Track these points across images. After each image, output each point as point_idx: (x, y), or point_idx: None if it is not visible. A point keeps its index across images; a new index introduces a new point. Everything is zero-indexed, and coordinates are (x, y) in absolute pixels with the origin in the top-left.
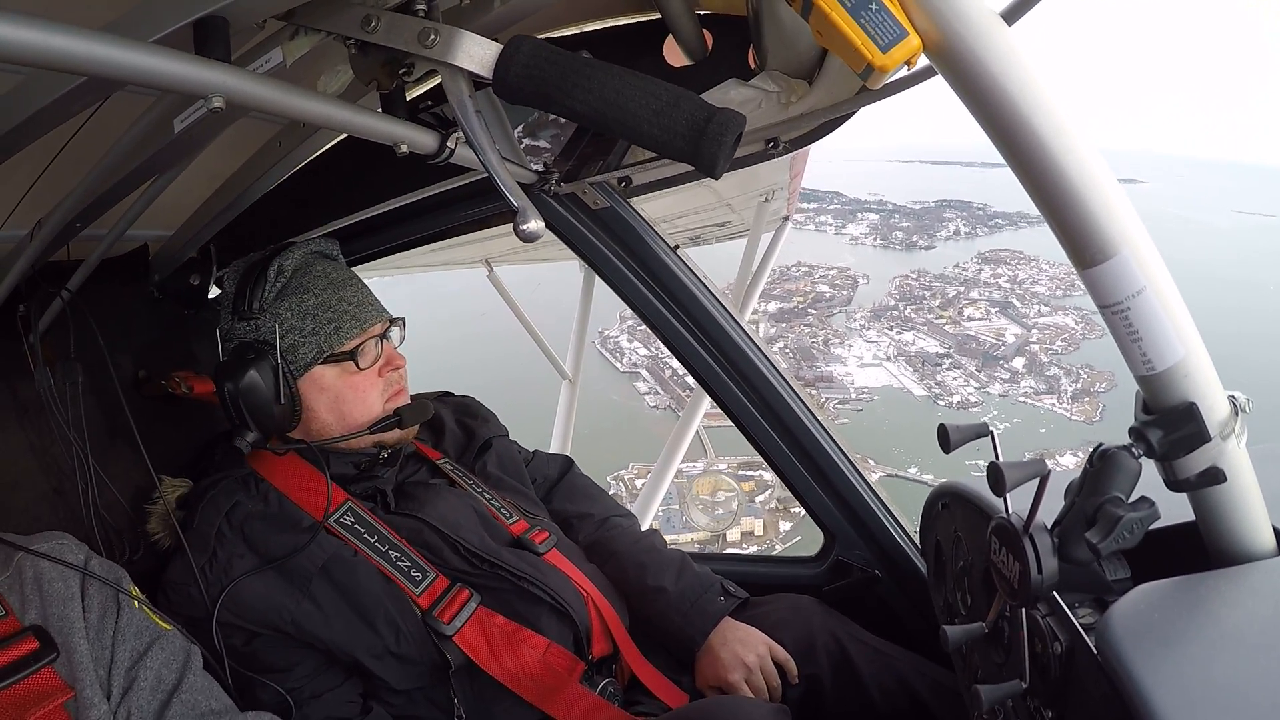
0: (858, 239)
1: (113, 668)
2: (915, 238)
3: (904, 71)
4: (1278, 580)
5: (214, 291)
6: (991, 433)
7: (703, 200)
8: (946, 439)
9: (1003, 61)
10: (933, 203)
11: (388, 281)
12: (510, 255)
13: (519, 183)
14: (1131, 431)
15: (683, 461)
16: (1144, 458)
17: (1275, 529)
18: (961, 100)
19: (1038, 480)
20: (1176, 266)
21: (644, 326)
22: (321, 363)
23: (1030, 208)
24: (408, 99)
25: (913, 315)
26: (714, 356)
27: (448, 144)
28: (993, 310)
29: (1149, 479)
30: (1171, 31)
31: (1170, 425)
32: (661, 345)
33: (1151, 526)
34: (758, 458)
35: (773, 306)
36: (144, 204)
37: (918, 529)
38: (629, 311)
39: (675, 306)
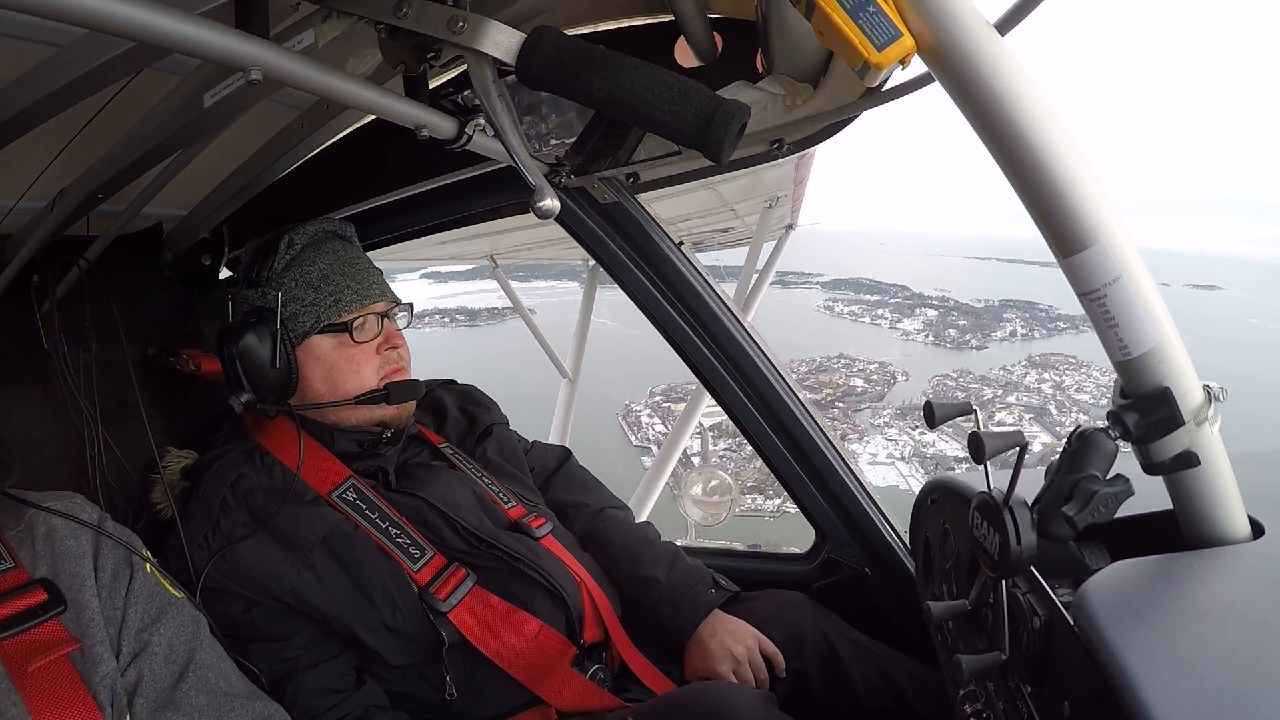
0: (910, 334)
1: (124, 627)
2: (968, 336)
3: (899, 74)
4: (1250, 563)
5: (224, 273)
6: (975, 411)
7: (708, 203)
8: (932, 415)
9: (991, 63)
10: (996, 302)
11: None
12: (515, 252)
13: None
14: (1109, 415)
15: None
16: (1121, 441)
17: (1250, 518)
18: (952, 98)
19: (1017, 454)
20: (1246, 381)
21: (668, 404)
22: (319, 332)
23: None
24: (429, 87)
25: None
26: (714, 353)
27: (466, 130)
28: (1026, 416)
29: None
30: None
31: (1146, 409)
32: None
33: (1130, 513)
34: None
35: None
36: (164, 180)
37: (908, 530)
38: (658, 387)
39: (678, 301)
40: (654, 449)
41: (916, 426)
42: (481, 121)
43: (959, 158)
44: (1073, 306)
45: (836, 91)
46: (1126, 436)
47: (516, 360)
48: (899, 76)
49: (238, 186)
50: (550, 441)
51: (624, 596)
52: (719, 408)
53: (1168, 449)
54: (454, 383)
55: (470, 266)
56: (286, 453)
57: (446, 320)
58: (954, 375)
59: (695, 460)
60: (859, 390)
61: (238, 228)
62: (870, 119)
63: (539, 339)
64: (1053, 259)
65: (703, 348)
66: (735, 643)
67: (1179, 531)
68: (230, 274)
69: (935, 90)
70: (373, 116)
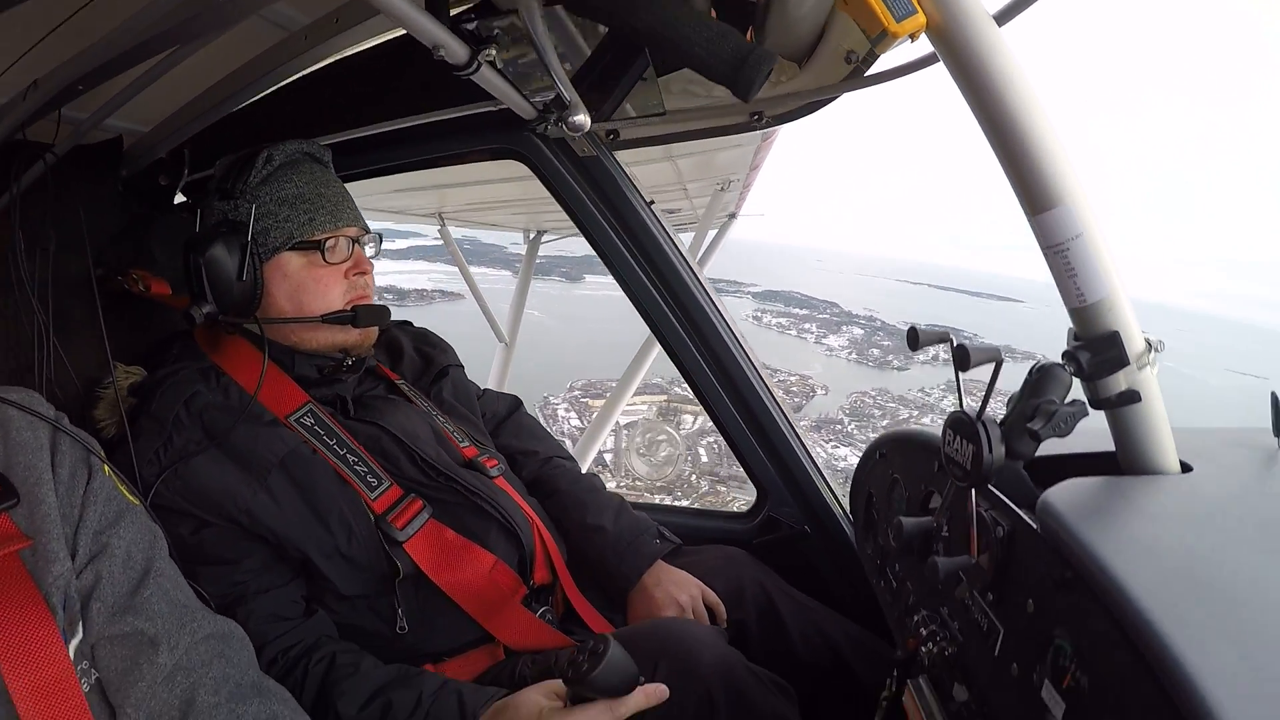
0: (834, 350)
1: (80, 527)
2: (891, 357)
3: (904, 52)
4: (1184, 487)
5: (179, 198)
6: (951, 339)
7: (665, 178)
8: (915, 339)
9: (988, 48)
10: (922, 325)
11: None
12: (463, 212)
13: (521, 116)
14: (1064, 355)
15: None
16: (1074, 378)
17: (1181, 461)
18: (950, 74)
19: (991, 372)
20: None
21: (586, 399)
22: (289, 249)
23: (1016, 342)
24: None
25: (854, 431)
26: (673, 310)
27: (479, 58)
28: None
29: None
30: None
31: (1097, 349)
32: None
33: (1068, 451)
34: None
35: None
36: (137, 89)
37: (847, 494)
38: (578, 381)
39: (643, 259)
40: (569, 443)
41: (830, 440)
42: (493, 53)
43: (905, 184)
44: (996, 337)
45: (820, 72)
46: (1080, 373)
47: None
48: (880, 65)
49: (208, 105)
50: None
51: (570, 543)
52: (636, 406)
53: (1114, 386)
54: (410, 324)
55: (405, 245)
56: (243, 374)
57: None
58: (873, 393)
59: (608, 458)
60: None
61: (200, 152)
62: (828, 141)
63: (480, 303)
64: (980, 289)
65: (662, 304)
66: (679, 591)
67: (1115, 472)
68: (185, 199)
69: (895, 107)
70: (356, 50)
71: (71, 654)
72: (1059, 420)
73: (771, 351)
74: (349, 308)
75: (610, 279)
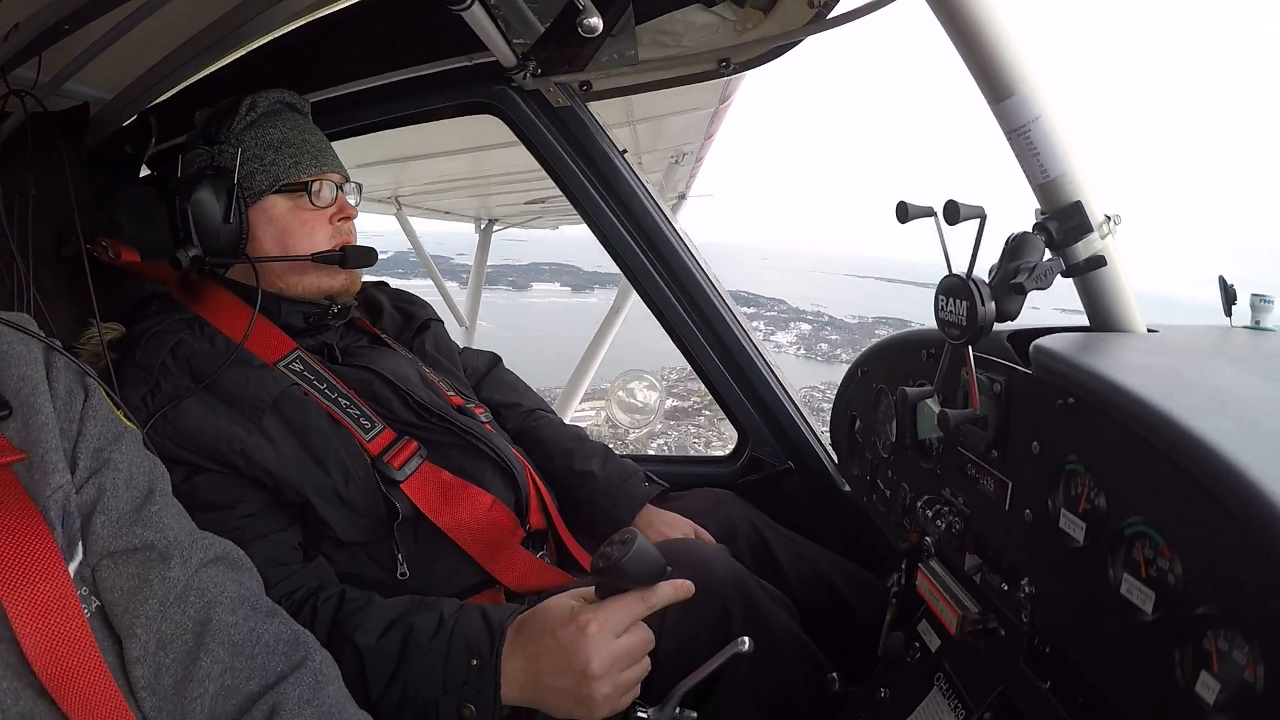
0: (782, 347)
1: (80, 442)
2: (839, 351)
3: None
4: (1154, 338)
5: (144, 171)
6: (935, 213)
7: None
8: (905, 211)
9: None
10: (870, 319)
11: None
12: (418, 197)
13: (501, 65)
14: (1035, 226)
15: None
16: (1046, 248)
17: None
18: None
19: (977, 229)
20: None
21: None
22: (275, 192)
23: None
24: None
25: None
26: (648, 257)
27: None
28: None
29: None
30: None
31: (1064, 218)
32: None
33: (1047, 325)
34: None
35: (670, 404)
36: (114, 38)
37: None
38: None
39: (616, 205)
40: None
41: None
42: None
43: (850, 180)
44: None
45: (784, 18)
46: (1050, 242)
47: None
48: (841, 8)
49: (174, 66)
50: None
51: (558, 491)
52: (585, 412)
53: (1081, 253)
54: (386, 284)
55: None
56: (227, 323)
57: None
58: (822, 387)
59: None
60: None
61: (165, 121)
62: (773, 139)
63: (438, 285)
64: (926, 280)
65: (638, 252)
66: (672, 531)
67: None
68: (151, 172)
69: (838, 102)
70: (330, 10)
71: (71, 577)
72: (1039, 274)
73: None
74: (337, 249)
75: (556, 285)
